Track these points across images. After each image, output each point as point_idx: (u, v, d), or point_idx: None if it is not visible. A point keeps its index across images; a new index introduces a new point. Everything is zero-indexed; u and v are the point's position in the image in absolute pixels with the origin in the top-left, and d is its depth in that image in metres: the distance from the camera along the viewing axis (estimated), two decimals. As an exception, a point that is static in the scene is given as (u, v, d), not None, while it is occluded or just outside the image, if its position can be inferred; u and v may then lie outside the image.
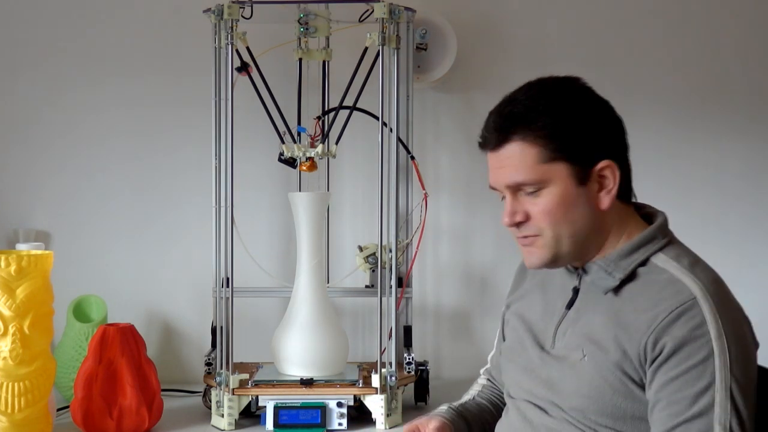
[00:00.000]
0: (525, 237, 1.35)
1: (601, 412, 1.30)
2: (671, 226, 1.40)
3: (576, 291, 1.39)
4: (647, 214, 1.40)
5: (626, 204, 1.38)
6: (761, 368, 1.38)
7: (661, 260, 1.32)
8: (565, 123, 1.31)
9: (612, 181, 1.33)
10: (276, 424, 1.96)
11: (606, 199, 1.33)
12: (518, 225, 1.35)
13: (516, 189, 1.34)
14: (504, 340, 1.56)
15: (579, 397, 1.31)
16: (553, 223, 1.32)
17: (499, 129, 1.33)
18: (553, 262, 1.36)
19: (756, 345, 1.31)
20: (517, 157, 1.32)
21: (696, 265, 1.32)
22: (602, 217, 1.35)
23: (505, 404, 1.53)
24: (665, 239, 1.35)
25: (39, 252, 1.87)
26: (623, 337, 1.28)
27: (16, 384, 1.80)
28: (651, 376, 1.26)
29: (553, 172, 1.31)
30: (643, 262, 1.33)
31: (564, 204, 1.31)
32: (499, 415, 1.54)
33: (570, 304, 1.39)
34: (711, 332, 1.23)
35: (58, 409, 2.05)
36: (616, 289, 1.33)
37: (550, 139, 1.30)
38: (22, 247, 2.07)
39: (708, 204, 2.46)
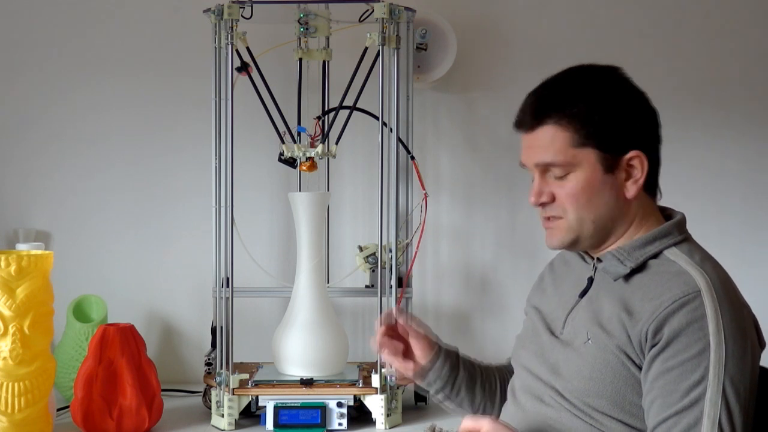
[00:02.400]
0: (549, 218, 1.39)
1: (601, 395, 1.30)
2: (670, 225, 1.41)
3: (590, 281, 1.41)
4: (668, 215, 1.43)
5: (650, 198, 1.41)
6: (762, 369, 1.38)
7: (673, 254, 1.35)
8: (599, 110, 1.34)
9: (640, 172, 1.36)
10: (276, 424, 1.96)
11: (632, 189, 1.36)
12: (543, 205, 1.39)
13: (545, 170, 1.37)
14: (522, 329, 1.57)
15: (580, 379, 1.32)
16: (577, 207, 1.36)
17: (535, 112, 1.37)
18: (573, 244, 1.39)
19: (762, 345, 1.32)
20: (548, 139, 1.35)
21: (706, 261, 1.34)
22: (626, 206, 1.38)
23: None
24: (681, 236, 1.38)
25: (39, 252, 1.87)
26: (628, 323, 1.29)
27: (16, 384, 1.80)
28: (648, 365, 1.28)
29: (582, 156, 1.34)
30: (656, 255, 1.35)
31: (589, 189, 1.35)
32: (502, 381, 1.59)
33: (583, 293, 1.41)
34: (709, 326, 1.24)
35: (58, 409, 2.05)
36: (627, 278, 1.35)
37: (582, 124, 1.34)
38: (22, 247, 2.07)
39: (708, 204, 2.46)
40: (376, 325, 1.57)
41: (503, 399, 1.56)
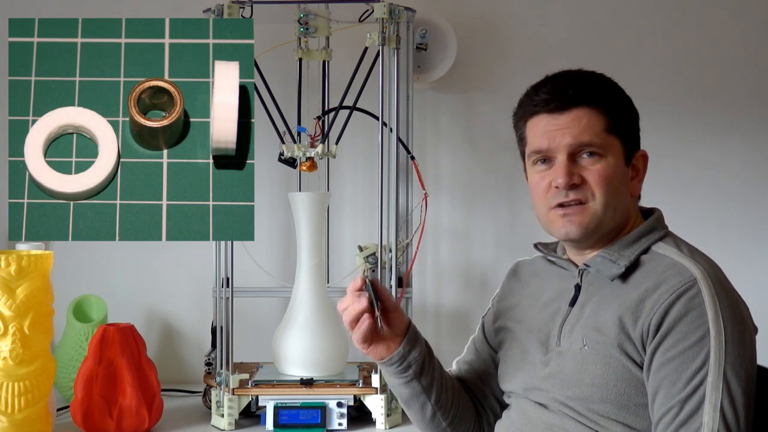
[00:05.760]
0: (570, 205, 1.35)
1: (605, 400, 1.30)
2: (671, 225, 1.43)
3: (578, 288, 1.40)
4: (644, 212, 1.45)
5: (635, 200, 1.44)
6: (762, 368, 1.39)
7: (661, 248, 1.36)
8: (623, 104, 1.39)
9: (641, 171, 1.41)
10: (276, 424, 1.96)
11: (637, 187, 1.40)
12: (573, 187, 1.35)
13: (577, 151, 1.35)
14: (499, 343, 1.54)
15: (582, 386, 1.32)
16: (607, 190, 1.34)
17: (572, 93, 1.36)
18: (593, 232, 1.36)
19: (755, 330, 1.32)
20: (585, 121, 1.35)
21: (695, 251, 1.36)
22: (630, 203, 1.40)
23: (459, 400, 1.53)
24: (663, 231, 1.40)
25: (39, 252, 1.87)
26: (628, 320, 1.29)
27: (16, 384, 1.80)
28: (649, 358, 1.28)
29: (612, 143, 1.36)
30: (645, 251, 1.36)
31: (616, 177, 1.35)
32: (453, 393, 1.52)
33: (573, 301, 1.40)
34: (708, 313, 1.25)
35: (58, 409, 2.05)
36: (622, 277, 1.35)
37: (612, 114, 1.36)
38: (22, 247, 2.07)
39: (708, 204, 2.46)
40: (351, 286, 1.39)
41: (456, 413, 1.51)
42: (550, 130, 1.36)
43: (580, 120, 1.34)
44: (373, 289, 1.37)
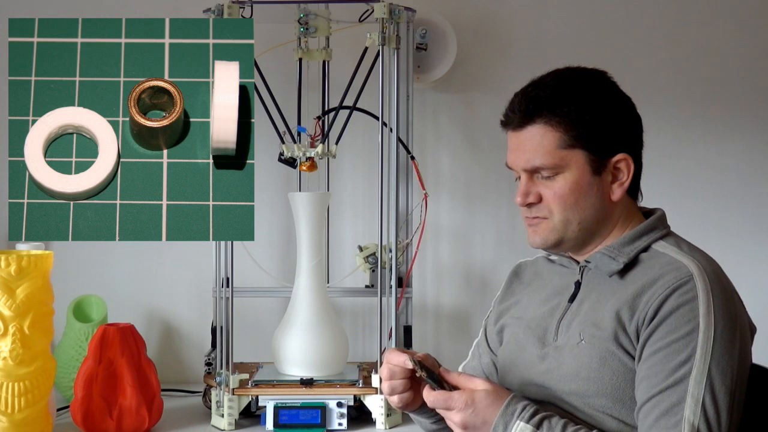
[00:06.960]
0: (534, 218, 1.40)
1: (601, 394, 1.30)
2: (671, 225, 1.43)
3: (578, 284, 1.41)
4: (647, 212, 1.45)
5: (632, 200, 1.43)
6: (761, 368, 1.38)
7: (662, 246, 1.36)
8: (588, 112, 1.35)
9: (626, 175, 1.38)
10: (276, 424, 1.96)
11: (618, 192, 1.38)
12: (530, 205, 1.39)
13: (532, 171, 1.38)
14: (500, 345, 1.54)
15: (578, 381, 1.32)
16: (564, 208, 1.36)
17: (524, 110, 1.37)
18: (556, 245, 1.40)
19: (752, 330, 1.33)
20: (537, 140, 1.36)
21: (695, 250, 1.36)
22: (611, 209, 1.39)
23: None
24: (665, 230, 1.40)
25: (39, 252, 1.87)
26: (624, 314, 1.30)
27: (16, 384, 1.80)
28: (640, 349, 1.28)
29: (570, 158, 1.35)
30: (645, 249, 1.37)
31: (577, 191, 1.36)
32: None
33: (573, 298, 1.40)
34: (700, 308, 1.25)
35: (58, 409, 2.05)
36: (620, 274, 1.35)
37: (571, 125, 1.34)
38: (22, 247, 2.07)
39: (708, 204, 2.47)
40: (390, 358, 1.39)
41: None
42: (512, 149, 1.40)
43: (532, 139, 1.36)
44: (427, 370, 1.35)
